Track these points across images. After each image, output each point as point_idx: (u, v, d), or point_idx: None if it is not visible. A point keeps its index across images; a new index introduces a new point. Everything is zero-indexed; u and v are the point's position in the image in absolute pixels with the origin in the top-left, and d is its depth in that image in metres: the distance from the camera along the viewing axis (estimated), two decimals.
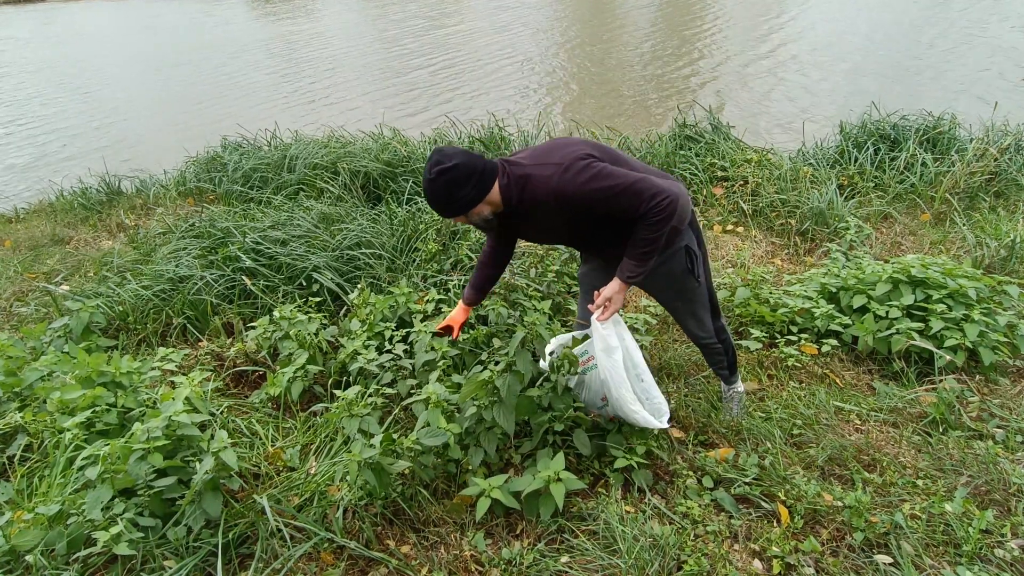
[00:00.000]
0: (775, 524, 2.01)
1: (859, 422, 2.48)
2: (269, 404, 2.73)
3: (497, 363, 2.25)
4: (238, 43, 15.10)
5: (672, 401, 2.60)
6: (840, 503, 2.02)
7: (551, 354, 2.26)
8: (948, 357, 2.66)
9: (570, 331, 2.35)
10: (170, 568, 1.87)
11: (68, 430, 2.15)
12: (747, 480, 2.15)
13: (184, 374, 2.82)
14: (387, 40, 14.31)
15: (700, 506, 2.06)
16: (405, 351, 2.71)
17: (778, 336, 3.03)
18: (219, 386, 2.82)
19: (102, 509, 1.87)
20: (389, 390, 2.59)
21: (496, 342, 2.65)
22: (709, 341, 2.37)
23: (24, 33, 19.93)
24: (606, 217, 1.96)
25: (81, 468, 2.04)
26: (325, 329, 3.01)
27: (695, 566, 1.84)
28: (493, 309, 2.80)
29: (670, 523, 2.02)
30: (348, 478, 2.06)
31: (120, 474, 1.92)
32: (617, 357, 2.06)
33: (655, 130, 5.75)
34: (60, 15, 23.84)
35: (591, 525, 2.02)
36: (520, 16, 15.90)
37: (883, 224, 4.23)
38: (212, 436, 2.13)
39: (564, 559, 1.92)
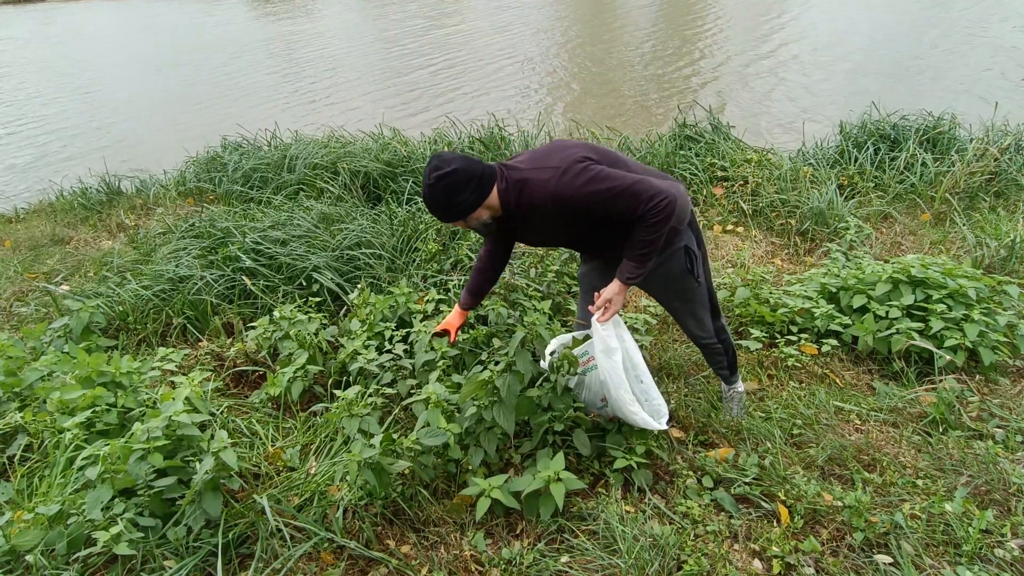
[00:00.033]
0: (775, 524, 2.01)
1: (859, 422, 2.48)
2: (269, 404, 2.73)
3: (497, 363, 2.25)
4: (238, 43, 15.11)
5: (672, 401, 2.60)
6: (840, 503, 2.02)
7: (551, 354, 2.26)
8: (948, 357, 2.66)
9: (570, 331, 2.35)
10: (170, 568, 1.87)
11: (68, 430, 2.15)
12: (747, 480, 2.15)
13: (184, 374, 2.82)
14: (387, 40, 14.32)
15: (700, 506, 2.06)
16: (405, 351, 2.71)
17: (778, 336, 3.03)
18: (219, 386, 2.82)
19: (102, 509, 1.87)
20: (389, 390, 2.59)
21: (496, 342, 2.65)
22: (709, 341, 2.37)
23: (24, 33, 19.93)
24: (604, 219, 1.96)
25: (81, 468, 2.04)
26: (325, 329, 3.01)
27: (695, 566, 1.84)
28: (493, 309, 2.80)
29: (670, 523, 2.02)
30: (348, 478, 2.06)
31: (120, 474, 1.92)
32: (617, 358, 2.06)
33: (656, 130, 5.75)
34: (60, 15, 23.84)
35: (591, 525, 2.02)
36: (520, 16, 15.90)
37: (883, 224, 4.23)
38: (212, 436, 2.13)
39: (564, 559, 1.92)
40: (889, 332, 2.79)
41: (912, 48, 10.19)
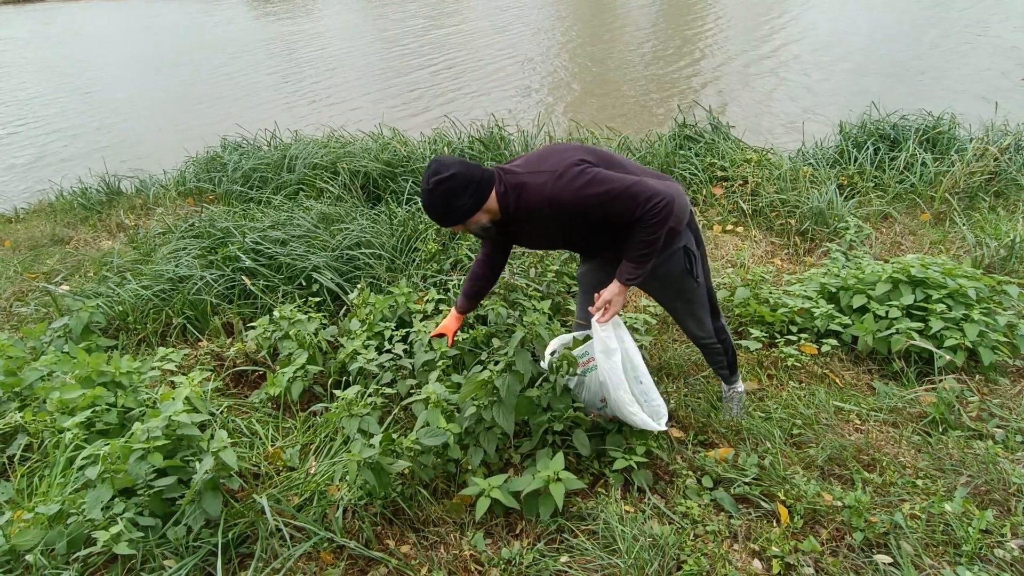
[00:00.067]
0: (775, 524, 2.01)
1: (859, 422, 2.48)
2: (269, 404, 2.73)
3: (496, 363, 2.25)
4: (238, 43, 15.11)
5: (672, 401, 2.60)
6: (840, 503, 2.02)
7: (551, 355, 2.26)
8: (948, 357, 2.66)
9: (569, 331, 2.35)
10: (170, 568, 1.87)
11: (68, 430, 2.15)
12: (747, 480, 2.15)
13: (184, 374, 2.82)
14: (387, 40, 14.32)
15: (700, 506, 2.07)
16: (405, 351, 2.71)
17: (778, 336, 3.03)
18: (219, 386, 2.82)
19: (102, 509, 1.87)
20: (389, 390, 2.59)
21: (495, 342, 2.65)
22: (709, 341, 2.38)
23: (24, 33, 19.93)
24: (602, 222, 1.97)
25: (81, 468, 2.04)
26: (325, 329, 3.01)
27: (695, 566, 1.84)
28: (492, 309, 2.80)
29: (670, 523, 2.02)
30: (348, 478, 2.06)
31: (120, 474, 1.92)
32: (616, 359, 2.06)
33: (656, 130, 5.75)
34: (60, 15, 23.84)
35: (591, 525, 2.02)
36: (520, 16, 15.91)
37: (883, 224, 4.23)
38: (212, 436, 2.13)
39: (564, 559, 1.92)
40: (889, 332, 2.79)
41: (912, 48, 10.20)
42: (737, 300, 3.19)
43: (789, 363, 2.83)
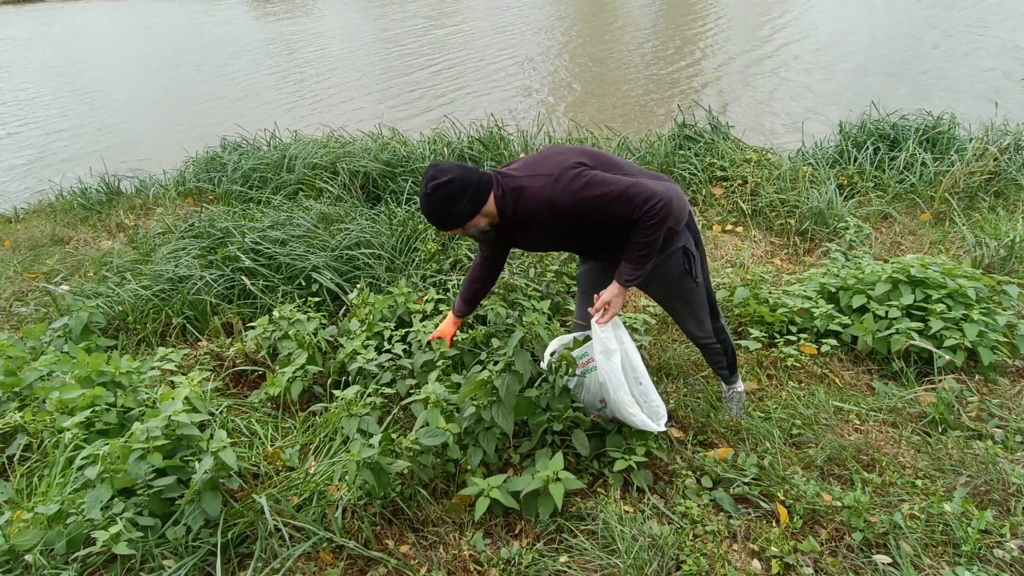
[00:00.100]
0: (774, 524, 2.01)
1: (858, 422, 2.48)
2: (268, 404, 2.73)
3: (496, 363, 2.25)
4: (238, 43, 15.11)
5: (671, 401, 2.60)
6: (839, 503, 2.02)
7: (551, 355, 2.26)
8: (947, 357, 2.66)
9: (568, 330, 2.35)
10: (169, 567, 1.87)
11: (68, 430, 2.15)
12: (746, 480, 2.15)
13: (183, 374, 2.82)
14: (387, 40, 14.32)
15: (699, 506, 2.07)
16: (404, 351, 2.71)
17: (777, 336, 3.03)
18: (218, 386, 2.82)
19: (101, 509, 1.87)
20: (388, 390, 2.59)
21: (495, 342, 2.65)
22: (708, 341, 2.38)
23: (24, 33, 19.93)
24: (601, 224, 1.97)
25: (80, 468, 2.04)
26: (324, 329, 3.01)
27: (694, 566, 1.84)
28: (492, 309, 2.79)
29: (669, 523, 2.02)
30: (347, 478, 2.06)
31: (119, 474, 1.92)
32: (615, 360, 2.06)
33: (656, 130, 5.75)
34: (60, 15, 23.85)
35: (590, 525, 2.02)
36: (521, 16, 15.91)
37: (883, 224, 4.22)
38: (211, 436, 2.12)
39: (563, 559, 1.92)
40: (888, 332, 2.79)
41: (913, 48, 10.20)
42: (737, 300, 3.19)
43: (789, 363, 2.83)
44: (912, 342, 2.71)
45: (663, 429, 2.16)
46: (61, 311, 3.42)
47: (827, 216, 4.11)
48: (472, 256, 3.51)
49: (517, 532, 2.05)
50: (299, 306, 3.14)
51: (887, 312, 2.86)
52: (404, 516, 2.12)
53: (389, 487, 2.11)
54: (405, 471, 2.18)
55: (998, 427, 2.40)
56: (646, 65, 10.50)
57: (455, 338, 2.63)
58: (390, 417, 2.51)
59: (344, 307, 3.35)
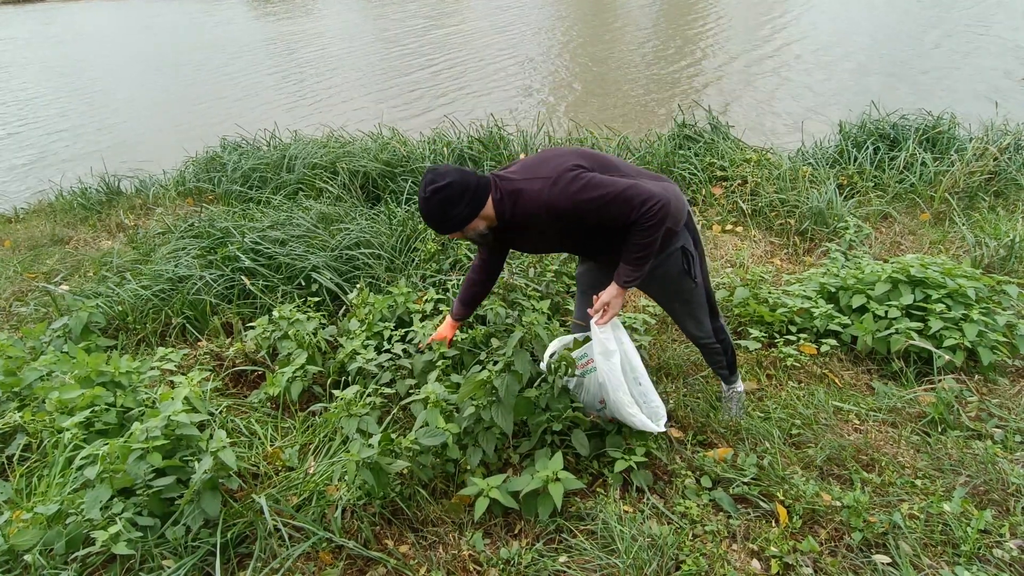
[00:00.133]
0: (773, 524, 2.01)
1: (858, 422, 2.48)
2: (268, 404, 2.73)
3: (495, 363, 2.25)
4: (238, 43, 15.11)
5: (671, 401, 2.60)
6: (839, 503, 2.02)
7: (551, 356, 2.26)
8: (947, 357, 2.66)
9: (568, 330, 2.35)
10: (169, 567, 1.87)
11: (67, 430, 2.15)
12: (746, 480, 2.15)
13: (183, 374, 2.82)
14: (388, 40, 14.32)
15: (698, 506, 2.07)
16: (404, 351, 2.71)
17: (777, 336, 3.03)
18: (218, 386, 2.82)
19: (101, 509, 1.87)
20: (388, 390, 2.59)
21: (494, 342, 2.65)
22: (708, 341, 2.38)
23: (24, 33, 19.94)
24: (599, 226, 1.97)
25: (80, 468, 2.05)
26: (324, 329, 3.01)
27: (693, 566, 1.84)
28: (491, 309, 2.79)
29: (668, 523, 2.02)
30: (346, 478, 2.06)
31: (119, 474, 1.92)
32: (615, 361, 2.06)
33: (657, 130, 5.75)
34: (60, 15, 23.85)
35: (589, 525, 2.02)
36: (521, 16, 15.91)
37: (882, 224, 4.22)
38: (211, 436, 2.13)
39: (562, 559, 1.92)
40: (888, 332, 2.79)
41: (914, 48, 10.20)
42: (736, 300, 3.19)
43: (788, 363, 2.83)
44: (912, 342, 2.71)
45: (663, 429, 2.16)
46: (61, 311, 3.42)
47: (827, 216, 4.11)
48: (471, 256, 3.50)
49: (517, 532, 2.05)
50: (299, 306, 3.14)
51: (887, 312, 2.86)
52: (404, 516, 2.12)
53: (388, 487, 2.11)
54: (405, 471, 2.18)
55: (997, 427, 2.40)
56: (647, 65, 10.50)
57: (454, 338, 2.63)
58: (390, 417, 2.51)
59: (344, 307, 3.35)
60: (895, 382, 2.74)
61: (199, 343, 3.23)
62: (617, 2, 17.30)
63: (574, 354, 2.21)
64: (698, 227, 2.90)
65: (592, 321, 2.09)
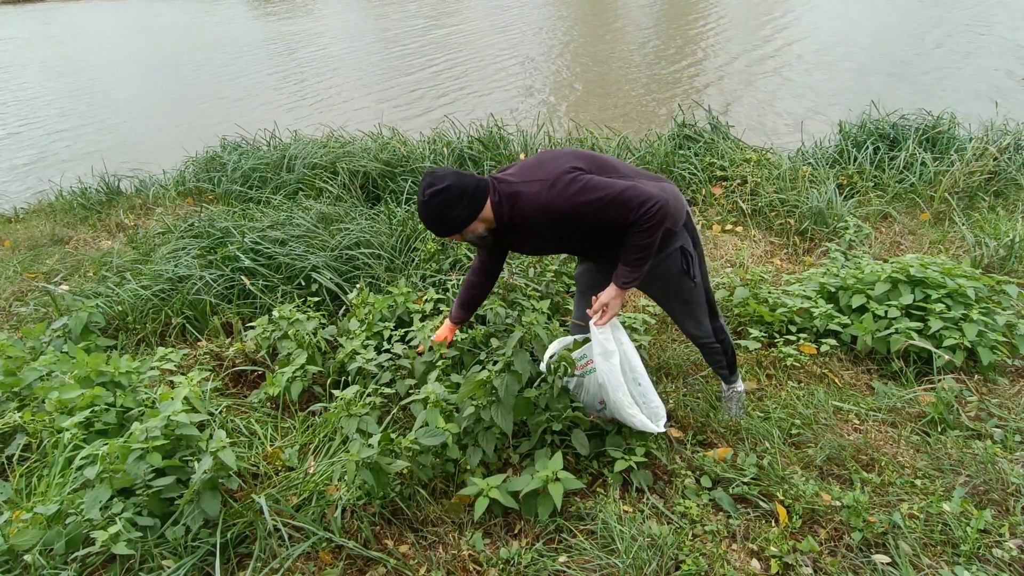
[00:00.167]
0: (773, 524, 2.01)
1: (858, 422, 2.48)
2: (268, 404, 2.73)
3: (495, 363, 2.25)
4: (238, 43, 15.11)
5: (671, 401, 2.60)
6: (838, 503, 2.02)
7: (551, 357, 2.26)
8: (947, 357, 2.66)
9: (567, 330, 2.35)
10: (168, 567, 1.87)
11: (67, 430, 2.15)
12: (745, 480, 2.15)
13: (183, 374, 2.82)
14: (388, 40, 14.32)
15: (698, 506, 2.07)
16: (403, 351, 2.71)
17: (777, 336, 3.03)
18: (218, 386, 2.82)
19: (101, 508, 1.87)
20: (388, 390, 2.59)
21: (494, 342, 2.65)
22: (707, 341, 2.38)
23: (24, 33, 19.94)
24: (597, 228, 1.97)
25: (80, 468, 2.05)
26: (324, 329, 3.01)
27: (693, 566, 1.84)
28: (491, 309, 2.79)
29: (668, 523, 2.02)
30: (346, 478, 2.06)
31: (119, 474, 1.92)
32: (614, 361, 2.06)
33: (656, 130, 5.75)
34: (60, 15, 23.85)
35: (589, 525, 2.02)
36: (521, 16, 15.91)
37: (882, 224, 4.22)
38: (211, 436, 2.13)
39: (562, 559, 1.92)
40: (888, 332, 2.79)
41: (915, 48, 10.20)
42: (736, 300, 3.19)
43: (788, 363, 2.83)
44: (911, 342, 2.71)
45: (662, 430, 2.16)
46: (61, 311, 3.42)
47: (827, 216, 4.10)
48: (471, 255, 3.50)
49: (516, 532, 2.05)
50: (299, 306, 3.14)
51: (886, 312, 2.86)
52: (403, 516, 2.12)
53: (388, 487, 2.11)
54: (404, 471, 2.18)
55: (997, 427, 2.40)
56: (648, 65, 10.49)
57: (454, 339, 2.63)
58: (389, 417, 2.51)
59: (344, 307, 3.35)
60: (895, 382, 2.74)
61: (199, 343, 3.23)
62: (618, 2, 17.30)
63: (574, 355, 2.21)
64: (698, 227, 2.90)
65: (591, 322, 2.09)
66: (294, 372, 2.69)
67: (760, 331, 3.02)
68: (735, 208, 4.44)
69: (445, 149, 5.16)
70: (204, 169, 5.76)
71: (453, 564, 1.95)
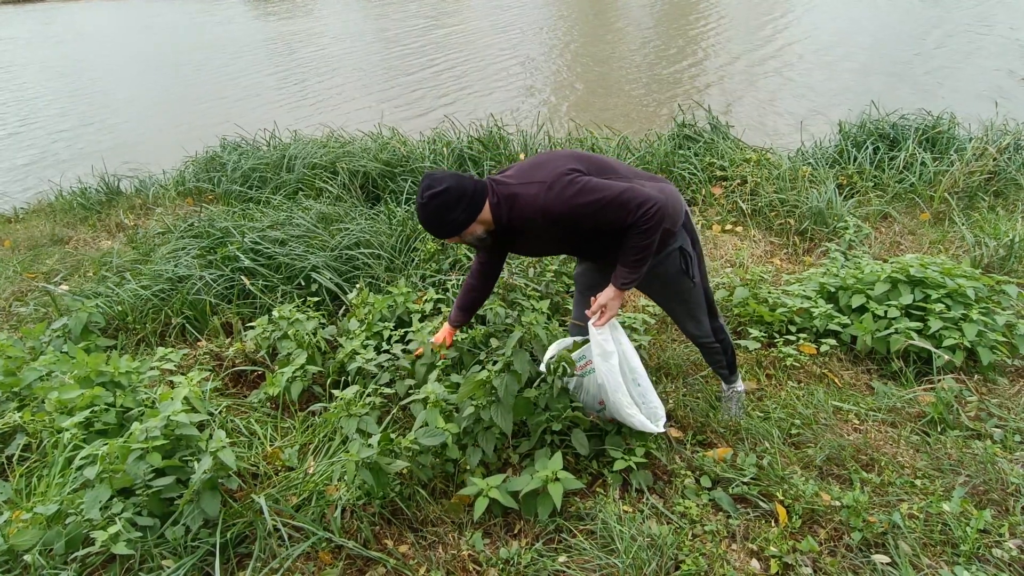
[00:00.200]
0: (773, 524, 2.01)
1: (857, 422, 2.48)
2: (268, 404, 2.73)
3: (495, 363, 2.25)
4: (238, 43, 15.12)
5: (670, 401, 2.60)
6: (838, 503, 2.02)
7: (551, 359, 2.26)
8: (947, 357, 2.66)
9: (567, 331, 2.35)
10: (168, 567, 1.87)
11: (67, 430, 2.15)
12: (745, 480, 2.15)
13: (183, 374, 2.82)
14: (389, 40, 14.32)
15: (698, 506, 2.07)
16: (403, 351, 2.71)
17: (777, 336, 3.03)
18: (218, 386, 2.82)
19: (100, 509, 1.87)
20: (387, 390, 2.59)
21: (493, 342, 2.65)
22: (707, 341, 2.38)
23: (24, 33, 19.95)
24: (596, 229, 1.98)
25: (80, 468, 2.05)
26: (323, 329, 3.01)
27: (693, 566, 1.84)
28: (491, 309, 2.79)
29: (668, 523, 2.02)
30: (346, 478, 2.06)
31: (119, 474, 1.92)
32: (613, 362, 2.06)
33: (656, 130, 5.75)
34: (60, 15, 23.86)
35: (589, 525, 2.02)
36: (522, 15, 15.91)
37: (882, 223, 4.22)
38: (210, 436, 2.13)
39: (562, 559, 1.92)
40: (888, 332, 2.79)
41: (916, 48, 10.20)
42: (736, 300, 3.19)
43: (788, 363, 2.83)
44: (911, 342, 2.71)
45: (662, 430, 2.16)
46: (60, 311, 3.42)
47: (827, 216, 4.10)
48: (471, 255, 3.50)
49: (516, 532, 2.05)
50: (298, 306, 3.14)
51: (886, 312, 2.86)
52: (403, 516, 2.12)
53: (388, 487, 2.11)
54: (404, 471, 2.18)
55: (997, 427, 2.40)
56: (649, 65, 10.49)
57: (454, 339, 2.63)
58: (389, 417, 2.51)
59: (343, 307, 3.35)
60: (895, 382, 2.74)
61: (199, 343, 3.23)
62: (619, 2, 17.31)
63: (573, 356, 2.21)
64: (697, 227, 2.90)
65: (590, 323, 2.09)
66: (294, 372, 2.69)
67: (760, 331, 3.02)
68: (735, 208, 4.44)
69: (445, 149, 5.16)
70: (204, 169, 5.76)
71: (453, 564, 1.95)
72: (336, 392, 2.42)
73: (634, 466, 2.14)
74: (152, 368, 2.71)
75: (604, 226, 1.94)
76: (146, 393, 2.54)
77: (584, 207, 1.89)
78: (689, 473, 2.20)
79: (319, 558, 1.96)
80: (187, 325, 3.33)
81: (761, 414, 2.51)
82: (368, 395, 2.48)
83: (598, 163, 2.02)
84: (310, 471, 2.27)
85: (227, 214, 4.34)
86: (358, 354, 2.71)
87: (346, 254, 3.64)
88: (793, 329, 3.04)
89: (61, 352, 2.85)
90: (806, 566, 1.86)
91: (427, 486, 2.19)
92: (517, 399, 2.15)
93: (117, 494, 1.94)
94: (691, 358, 2.91)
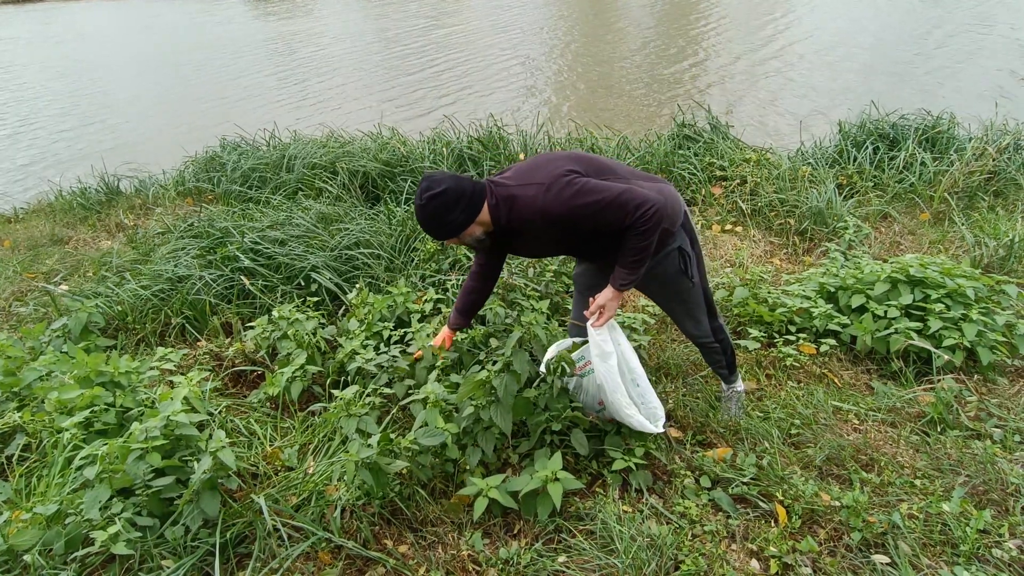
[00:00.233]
0: (773, 524, 2.01)
1: (857, 422, 2.48)
2: (267, 404, 2.73)
3: (494, 363, 2.25)
4: (238, 43, 15.12)
5: (670, 401, 2.60)
6: (838, 503, 2.02)
7: (550, 360, 2.26)
8: (946, 357, 2.65)
9: (566, 331, 2.35)
10: (168, 568, 1.87)
11: (66, 430, 2.15)
12: (745, 480, 2.15)
13: (182, 374, 2.82)
14: (389, 40, 14.33)
15: (698, 506, 2.07)
16: (403, 351, 2.71)
17: (776, 336, 3.03)
18: (217, 386, 2.82)
19: (100, 509, 1.87)
20: (387, 390, 2.59)
21: (493, 342, 2.65)
22: (706, 341, 2.38)
23: (24, 33, 19.95)
24: (594, 231, 1.98)
25: (79, 468, 2.05)
26: (323, 329, 3.01)
27: (692, 566, 1.84)
28: (490, 309, 2.79)
29: (668, 523, 2.02)
30: (346, 478, 2.06)
31: (118, 474, 1.92)
32: (612, 363, 2.06)
33: (656, 130, 5.75)
34: (60, 15, 23.87)
35: (589, 525, 2.02)
36: (522, 15, 15.91)
37: (882, 223, 4.22)
38: (210, 436, 2.13)
39: (561, 559, 1.92)
40: (887, 332, 2.79)
41: (917, 48, 10.20)
42: (736, 300, 3.19)
43: (788, 363, 2.83)
44: (911, 342, 2.71)
45: (661, 430, 2.16)
46: (60, 311, 3.42)
47: (826, 216, 4.10)
48: (470, 255, 3.50)
49: (516, 532, 2.05)
50: (298, 306, 3.14)
51: (886, 312, 2.86)
52: (403, 516, 2.12)
53: (388, 487, 2.11)
54: (404, 471, 2.18)
55: (997, 427, 2.40)
56: (650, 65, 10.49)
57: (454, 340, 2.63)
58: (389, 417, 2.51)
59: (343, 307, 3.35)
60: (894, 382, 2.74)
61: (198, 343, 3.23)
62: (619, 2, 17.30)
63: (573, 356, 2.21)
64: (697, 227, 2.90)
65: (588, 324, 2.09)
66: (294, 372, 2.69)
67: (760, 331, 3.02)
68: (735, 208, 4.44)
69: (445, 149, 5.16)
70: (204, 169, 5.76)
71: (452, 564, 1.95)
72: (336, 392, 2.42)
73: (634, 466, 2.14)
74: (152, 368, 2.71)
75: (603, 227, 1.94)
76: (146, 393, 2.54)
77: (582, 208, 1.89)
78: (689, 473, 2.20)
79: (319, 558, 1.97)
80: (187, 325, 3.33)
81: (761, 414, 2.51)
82: (368, 395, 2.48)
83: (597, 164, 2.03)
84: (310, 471, 2.27)
85: (227, 214, 4.34)
86: (358, 354, 2.71)
87: (346, 254, 3.64)
88: (793, 329, 3.04)
89: (61, 352, 2.85)
90: (806, 566, 1.85)
91: (427, 486, 2.19)
92: (517, 399, 2.15)
93: (117, 494, 1.94)
94: (691, 358, 2.91)
